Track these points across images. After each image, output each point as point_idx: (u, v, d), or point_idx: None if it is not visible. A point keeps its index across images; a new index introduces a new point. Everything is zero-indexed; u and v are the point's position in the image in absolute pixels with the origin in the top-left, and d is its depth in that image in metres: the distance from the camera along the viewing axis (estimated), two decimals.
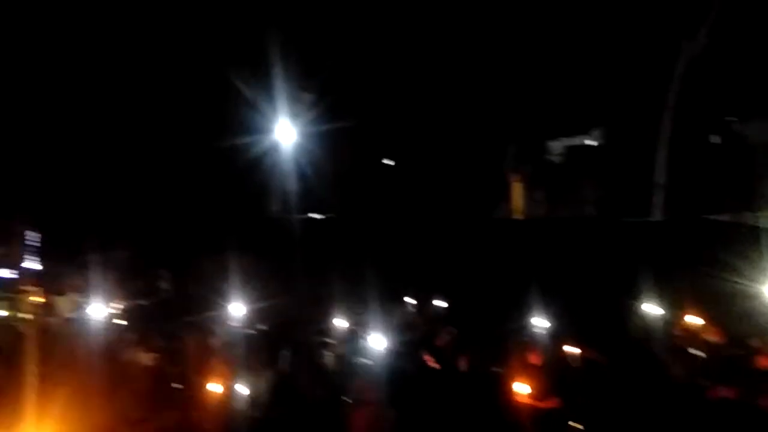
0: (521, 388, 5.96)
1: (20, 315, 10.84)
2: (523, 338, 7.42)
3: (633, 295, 8.39)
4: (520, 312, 8.22)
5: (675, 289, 8.54)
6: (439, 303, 9.81)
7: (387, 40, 15.37)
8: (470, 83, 15.41)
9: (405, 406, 5.96)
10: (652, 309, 8.06)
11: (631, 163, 14.94)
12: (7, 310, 10.91)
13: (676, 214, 13.89)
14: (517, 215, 16.99)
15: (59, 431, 4.33)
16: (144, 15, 14.16)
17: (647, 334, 7.68)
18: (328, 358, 7.49)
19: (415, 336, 8.33)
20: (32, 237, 14.92)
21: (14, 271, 14.21)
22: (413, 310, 9.87)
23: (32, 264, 14.50)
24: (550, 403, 6.05)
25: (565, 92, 15.29)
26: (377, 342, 7.40)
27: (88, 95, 14.37)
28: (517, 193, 17.15)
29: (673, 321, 7.86)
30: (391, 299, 9.91)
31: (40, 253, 14.35)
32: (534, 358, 6.58)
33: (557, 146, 17.42)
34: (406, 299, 10.03)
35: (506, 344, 7.07)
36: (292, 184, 15.42)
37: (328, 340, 8.10)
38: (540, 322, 7.82)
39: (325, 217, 15.90)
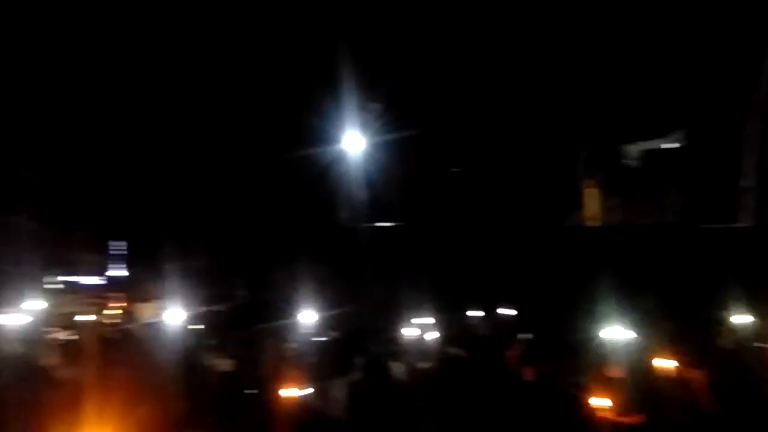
0: (601, 402, 5.69)
1: (105, 320, 11.43)
2: (602, 349, 7.11)
3: (721, 305, 7.91)
4: (597, 322, 7.90)
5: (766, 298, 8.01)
6: (510, 312, 9.60)
7: (454, 47, 15.29)
8: (540, 86, 15.08)
9: (475, 416, 5.83)
10: (742, 319, 7.56)
11: (715, 167, 14.18)
12: (93, 314, 11.55)
13: (765, 218, 13.07)
14: (591, 222, 16.44)
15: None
16: (215, 29, 14.65)
17: (737, 346, 7.20)
18: (399, 366, 7.43)
19: (486, 345, 8.16)
20: (117, 246, 15.79)
21: (101, 278, 15.11)
22: (484, 319, 9.71)
23: (117, 272, 15.34)
24: (633, 419, 5.75)
25: (642, 93, 14.72)
26: (447, 351, 7.29)
27: (166, 108, 14.95)
28: (591, 199, 16.61)
29: (765, 332, 7.34)
30: (460, 308, 9.79)
31: (125, 261, 15.13)
32: (614, 371, 6.28)
33: (634, 150, 16.77)
34: (477, 308, 9.88)
35: (584, 355, 6.79)
36: (360, 193, 15.52)
37: (398, 348, 8.07)
38: (620, 333, 7.48)
39: (393, 226, 15.93)
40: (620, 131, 16.17)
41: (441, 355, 7.59)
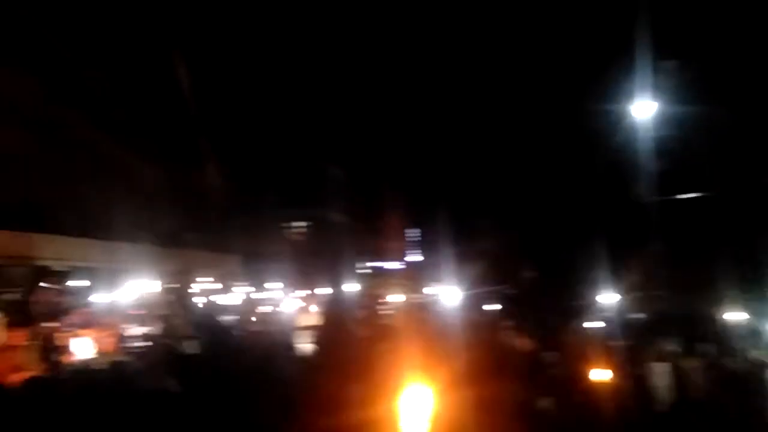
0: None
1: (407, 299, 12.44)
2: None
3: None
4: None
5: None
6: None
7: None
8: None
9: None
10: None
11: None
12: (397, 294, 12.66)
13: None
14: None
15: (449, 407, 4.65)
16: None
17: None
18: (725, 355, 6.51)
19: None
20: (413, 233, 17.11)
21: (401, 263, 16.55)
22: None
23: (414, 257, 16.61)
24: None
25: None
26: None
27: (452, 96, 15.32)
28: None
29: None
30: None
31: (420, 246, 16.27)
32: None
33: None
34: None
35: None
36: (653, 164, 14.01)
37: (721, 335, 7.09)
38: None
39: (697, 198, 14.04)
40: None
41: None
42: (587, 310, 8.60)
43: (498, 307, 9.85)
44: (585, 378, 5.82)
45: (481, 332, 7.64)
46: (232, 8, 12.08)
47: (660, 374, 5.74)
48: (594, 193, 13.56)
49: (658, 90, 13.72)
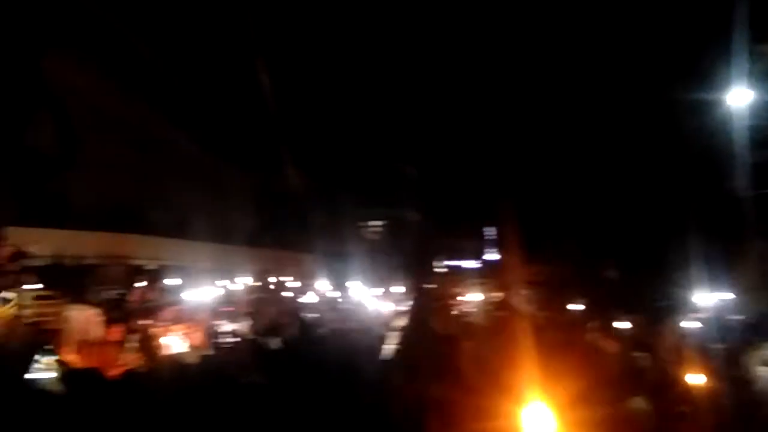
0: None
1: (486, 299, 12.23)
2: None
3: None
4: None
5: None
6: None
7: None
8: None
9: None
10: None
11: None
12: (475, 294, 12.49)
13: None
14: None
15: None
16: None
17: None
18: None
19: None
20: (490, 232, 16.82)
21: (479, 262, 16.34)
22: None
23: (492, 256, 16.34)
24: None
25: None
26: None
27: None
28: None
29: None
30: None
31: (497, 245, 15.97)
32: None
33: None
34: None
35: None
36: (753, 158, 13.12)
37: None
38: None
39: None
40: None
41: None
42: (680, 310, 8.17)
43: (582, 306, 9.52)
44: (681, 381, 5.51)
45: (568, 334, 7.40)
46: (310, 12, 12.34)
47: (763, 379, 5.36)
48: (686, 187, 12.86)
49: (755, 76, 12.83)
